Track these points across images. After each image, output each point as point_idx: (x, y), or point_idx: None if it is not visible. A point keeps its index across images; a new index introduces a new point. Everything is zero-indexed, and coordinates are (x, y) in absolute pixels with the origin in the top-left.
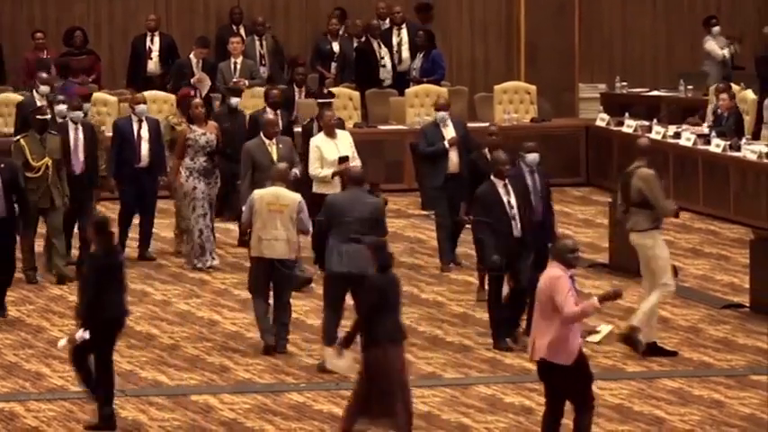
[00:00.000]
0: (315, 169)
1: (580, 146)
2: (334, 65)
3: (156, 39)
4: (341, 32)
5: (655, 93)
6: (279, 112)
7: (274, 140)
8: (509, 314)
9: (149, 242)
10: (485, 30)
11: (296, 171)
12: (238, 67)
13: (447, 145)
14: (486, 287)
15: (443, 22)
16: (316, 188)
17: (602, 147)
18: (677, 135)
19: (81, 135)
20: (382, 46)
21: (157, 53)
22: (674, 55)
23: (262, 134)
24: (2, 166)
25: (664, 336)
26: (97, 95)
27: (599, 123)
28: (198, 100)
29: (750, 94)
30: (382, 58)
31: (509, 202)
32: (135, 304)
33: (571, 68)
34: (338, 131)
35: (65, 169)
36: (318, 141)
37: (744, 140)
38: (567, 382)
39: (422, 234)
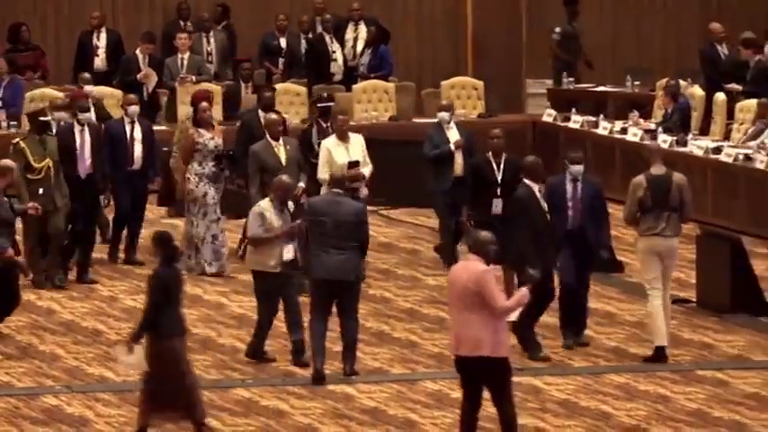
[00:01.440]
0: (323, 173)
1: (527, 141)
2: (281, 60)
3: (103, 35)
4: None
5: (601, 88)
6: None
7: (281, 141)
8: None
9: (137, 245)
10: (432, 25)
11: (302, 184)
12: (185, 62)
13: (453, 147)
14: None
15: (389, 17)
16: (324, 191)
17: (549, 142)
18: (624, 131)
19: (87, 137)
20: (334, 41)
21: (104, 50)
22: (621, 51)
23: (267, 136)
24: None
25: (609, 331)
26: (44, 91)
27: (546, 119)
28: (205, 103)
29: (698, 90)
30: (334, 52)
31: (544, 206)
32: (81, 300)
33: (518, 64)
34: (351, 135)
35: (62, 171)
36: (329, 144)
37: (690, 136)
38: (497, 375)
39: (370, 231)
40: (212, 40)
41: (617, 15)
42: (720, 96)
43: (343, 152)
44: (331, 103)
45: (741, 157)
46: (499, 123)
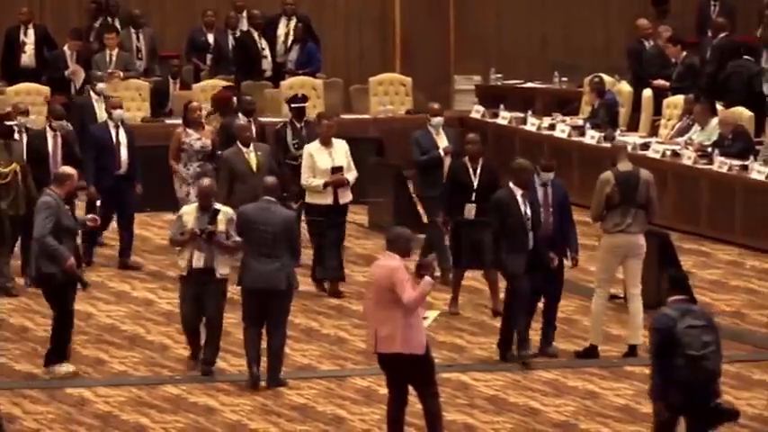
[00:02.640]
0: (306, 179)
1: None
2: (209, 56)
3: (30, 31)
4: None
5: (529, 84)
6: (252, 119)
7: (251, 147)
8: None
9: (131, 250)
10: (360, 22)
11: None
12: (114, 59)
13: (442, 153)
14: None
15: (318, 13)
16: (308, 198)
17: None
18: (552, 127)
19: (60, 141)
20: (263, 38)
21: (32, 46)
22: (549, 47)
23: (238, 142)
24: None
25: (537, 327)
26: None
27: (474, 115)
28: (195, 103)
29: (625, 86)
30: (263, 49)
31: (525, 212)
32: (9, 297)
33: (446, 60)
34: (334, 140)
35: (30, 176)
36: (312, 149)
37: (618, 132)
38: (417, 371)
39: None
40: (141, 36)
41: (545, 11)
42: (647, 92)
43: (326, 157)
44: (304, 104)
45: (668, 152)
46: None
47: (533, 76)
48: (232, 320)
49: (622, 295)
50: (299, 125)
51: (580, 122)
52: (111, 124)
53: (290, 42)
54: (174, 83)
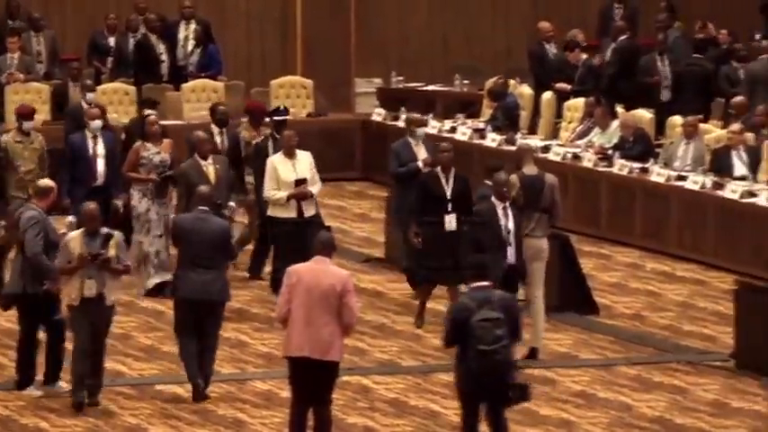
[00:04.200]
0: (269, 191)
1: (356, 140)
2: (110, 59)
3: None
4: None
5: (430, 87)
6: (223, 129)
7: (210, 160)
8: None
9: None
10: (261, 24)
11: (232, 204)
12: (15, 61)
13: (421, 165)
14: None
15: (219, 15)
16: (270, 211)
17: (378, 141)
18: (453, 130)
19: None
20: (160, 42)
21: None
22: (451, 50)
23: (195, 154)
24: None
25: (438, 329)
26: None
27: (375, 118)
28: (153, 117)
29: (527, 89)
30: (161, 53)
31: (506, 226)
32: None
33: (347, 63)
34: (298, 152)
35: None
36: (276, 161)
37: (519, 135)
38: (332, 377)
39: None
40: (42, 39)
41: (446, 14)
42: (547, 95)
43: (289, 169)
44: (286, 117)
45: (569, 155)
46: (328, 122)
47: (435, 78)
48: (132, 324)
49: (523, 298)
50: (280, 138)
51: (481, 125)
52: (88, 135)
53: (190, 46)
54: (74, 86)
